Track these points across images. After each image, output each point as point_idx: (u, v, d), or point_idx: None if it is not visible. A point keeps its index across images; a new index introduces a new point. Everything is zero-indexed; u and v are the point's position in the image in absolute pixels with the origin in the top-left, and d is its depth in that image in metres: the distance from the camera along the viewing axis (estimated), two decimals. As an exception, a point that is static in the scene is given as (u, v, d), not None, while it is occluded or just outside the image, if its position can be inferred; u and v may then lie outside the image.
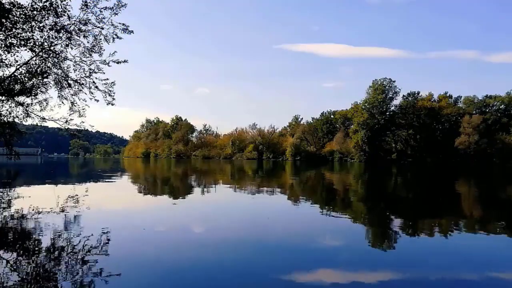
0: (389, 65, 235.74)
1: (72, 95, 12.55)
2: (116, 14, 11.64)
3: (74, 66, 12.19)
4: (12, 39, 10.94)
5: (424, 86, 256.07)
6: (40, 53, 11.71)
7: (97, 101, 12.54)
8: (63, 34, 11.60)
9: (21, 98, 12.44)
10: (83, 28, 11.67)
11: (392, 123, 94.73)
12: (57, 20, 11.27)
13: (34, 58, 11.73)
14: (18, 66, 11.67)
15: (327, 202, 11.66)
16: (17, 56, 11.38)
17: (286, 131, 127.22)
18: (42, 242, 5.45)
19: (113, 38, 11.93)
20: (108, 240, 5.65)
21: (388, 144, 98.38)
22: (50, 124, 13.68)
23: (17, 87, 12.05)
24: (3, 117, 12.46)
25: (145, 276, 4.19)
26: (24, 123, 13.48)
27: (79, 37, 11.78)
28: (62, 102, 12.64)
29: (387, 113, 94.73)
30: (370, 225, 7.79)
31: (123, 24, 11.83)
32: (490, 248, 5.87)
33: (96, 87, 12.37)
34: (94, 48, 12.00)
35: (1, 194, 11.88)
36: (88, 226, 6.63)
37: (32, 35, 11.24)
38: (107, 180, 20.20)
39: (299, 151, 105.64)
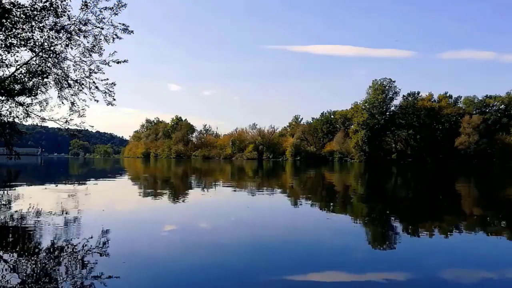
0: (389, 65, 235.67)
1: (72, 95, 12.54)
2: (116, 14, 11.64)
3: (74, 66, 12.19)
4: (12, 39, 10.93)
5: (424, 87, 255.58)
6: (40, 53, 11.71)
7: (97, 101, 12.54)
8: (63, 34, 11.59)
9: (21, 98, 12.44)
10: (83, 28, 11.67)
11: (392, 123, 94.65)
12: (57, 20, 11.27)
13: (34, 58, 11.73)
14: (18, 66, 11.67)
15: (327, 203, 11.66)
16: (17, 56, 11.38)
17: (286, 131, 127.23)
18: (42, 243, 5.45)
19: (113, 38, 11.93)
20: (108, 240, 5.64)
21: (388, 144, 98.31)
22: (50, 124, 13.66)
23: (17, 87, 12.04)
24: (3, 117, 12.45)
25: (144, 277, 4.18)
26: (24, 123, 13.49)
27: (79, 37, 11.78)
28: (62, 102, 12.64)
29: (387, 113, 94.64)
30: (370, 225, 7.78)
31: (123, 24, 11.83)
32: (491, 248, 5.86)
33: (96, 87, 12.36)
34: (94, 48, 11.99)
35: (1, 194, 11.88)
36: (88, 226, 6.63)
37: (32, 35, 11.24)
38: (107, 180, 20.20)
39: (299, 151, 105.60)
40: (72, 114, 12.58)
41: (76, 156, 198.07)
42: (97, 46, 11.96)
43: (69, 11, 11.26)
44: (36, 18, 10.96)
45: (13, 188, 13.73)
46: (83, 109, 12.63)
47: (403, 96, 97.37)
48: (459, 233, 6.92)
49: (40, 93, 12.55)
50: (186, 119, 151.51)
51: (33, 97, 12.53)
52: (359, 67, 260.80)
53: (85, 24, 11.63)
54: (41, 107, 12.76)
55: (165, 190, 15.54)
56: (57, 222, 6.95)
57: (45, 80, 12.34)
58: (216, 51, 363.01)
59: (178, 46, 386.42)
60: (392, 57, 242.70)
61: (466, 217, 9.08)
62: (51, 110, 12.81)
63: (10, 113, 12.51)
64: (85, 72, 12.22)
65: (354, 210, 9.98)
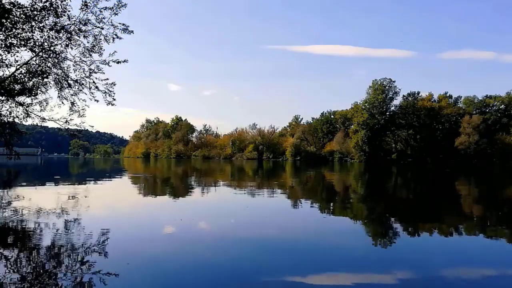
0: (389, 65, 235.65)
1: (72, 95, 12.53)
2: (116, 14, 11.63)
3: (74, 66, 12.18)
4: (12, 39, 10.93)
5: (424, 87, 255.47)
6: (40, 53, 11.70)
7: (97, 101, 12.52)
8: (63, 34, 11.58)
9: (21, 98, 12.43)
10: (83, 28, 11.66)
11: (392, 123, 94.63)
12: (57, 20, 11.26)
13: (34, 58, 11.72)
14: (18, 66, 11.66)
15: (327, 203, 11.66)
16: (17, 56, 11.37)
17: (286, 131, 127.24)
18: (42, 242, 5.46)
19: (113, 38, 11.91)
20: (108, 239, 5.65)
21: (388, 144, 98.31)
22: (50, 124, 13.63)
23: (17, 87, 12.04)
24: (3, 117, 12.45)
25: (144, 275, 4.19)
26: (24, 123, 13.47)
27: (79, 37, 11.76)
28: (62, 102, 12.63)
29: (387, 113, 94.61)
30: (370, 225, 7.79)
31: (123, 24, 11.82)
32: (490, 248, 5.86)
33: (96, 87, 12.35)
34: (94, 48, 11.98)
35: (1, 194, 11.89)
36: (88, 225, 6.63)
37: (32, 35, 11.22)
38: (107, 180, 20.20)
39: (299, 151, 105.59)
40: (72, 114, 12.58)
41: (76, 156, 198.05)
42: (97, 46, 11.96)
43: (69, 11, 11.26)
44: (36, 18, 10.96)
45: (13, 188, 13.74)
46: (83, 109, 12.63)
47: (403, 96, 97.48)
48: (459, 233, 6.92)
49: (40, 93, 12.55)
50: (186, 119, 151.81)
51: (33, 97, 12.53)
52: (359, 67, 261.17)
53: (85, 24, 11.62)
54: (41, 107, 12.76)
55: (165, 190, 15.55)
56: (57, 221, 6.95)
57: (45, 80, 12.33)
58: (216, 51, 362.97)
59: (178, 46, 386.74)
60: (392, 57, 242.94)
61: (466, 217, 9.08)
62: (51, 110, 12.81)
63: (10, 113, 12.51)
64: (85, 72, 12.22)
65: (354, 210, 9.98)
